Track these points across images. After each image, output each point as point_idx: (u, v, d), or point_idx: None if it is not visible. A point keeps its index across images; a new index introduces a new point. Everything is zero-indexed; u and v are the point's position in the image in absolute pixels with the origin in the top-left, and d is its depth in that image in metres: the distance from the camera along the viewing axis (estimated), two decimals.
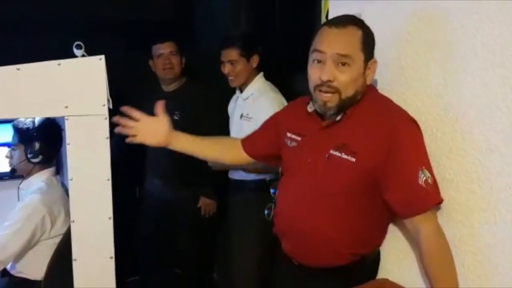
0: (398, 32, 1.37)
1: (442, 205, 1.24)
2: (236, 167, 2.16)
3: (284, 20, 2.56)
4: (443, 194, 1.24)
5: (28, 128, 1.87)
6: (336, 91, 1.26)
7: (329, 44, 1.25)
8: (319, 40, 1.28)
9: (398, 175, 1.23)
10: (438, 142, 1.25)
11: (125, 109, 1.43)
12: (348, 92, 1.27)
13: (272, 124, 1.56)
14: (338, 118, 1.31)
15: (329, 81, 1.25)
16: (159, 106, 1.46)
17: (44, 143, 1.88)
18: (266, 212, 1.64)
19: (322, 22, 1.64)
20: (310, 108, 1.37)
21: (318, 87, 1.28)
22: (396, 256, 1.39)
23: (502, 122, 1.09)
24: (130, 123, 1.43)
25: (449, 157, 1.23)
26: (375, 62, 1.32)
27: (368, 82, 1.31)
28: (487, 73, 1.12)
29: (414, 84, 1.33)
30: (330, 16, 1.63)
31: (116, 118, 1.42)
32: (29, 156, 1.87)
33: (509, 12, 1.06)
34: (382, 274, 1.42)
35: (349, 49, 1.24)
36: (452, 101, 1.21)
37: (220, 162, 1.72)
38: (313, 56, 1.29)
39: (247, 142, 1.60)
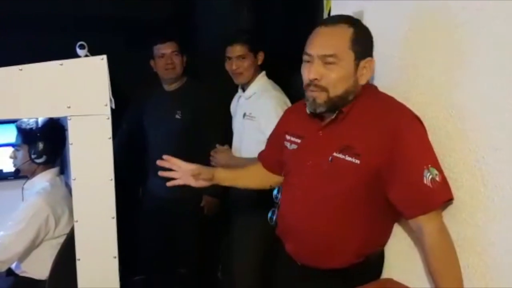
0: (400, 30, 1.36)
1: (446, 204, 1.23)
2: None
3: (286, 18, 2.55)
4: None
5: (31, 129, 1.87)
6: (323, 89, 1.27)
7: (315, 45, 1.27)
8: (308, 41, 1.30)
9: (402, 175, 1.22)
10: (442, 140, 1.24)
11: (167, 158, 1.52)
12: (336, 91, 1.27)
13: (276, 133, 1.59)
14: (333, 116, 1.31)
15: (315, 79, 1.26)
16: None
17: (47, 143, 1.89)
18: (269, 216, 1.64)
19: None
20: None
21: (307, 86, 1.30)
22: (400, 256, 1.38)
23: (506, 120, 1.07)
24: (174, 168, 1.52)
25: (453, 155, 1.22)
26: (371, 61, 1.30)
27: (362, 82, 1.30)
28: (490, 71, 1.11)
29: (417, 83, 1.32)
30: (332, 14, 1.63)
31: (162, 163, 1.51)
32: (33, 156, 1.88)
33: None
34: (386, 274, 1.41)
35: (334, 49, 1.25)
36: (456, 99, 1.20)
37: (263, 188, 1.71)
38: (303, 57, 1.32)
39: (263, 159, 1.63)
